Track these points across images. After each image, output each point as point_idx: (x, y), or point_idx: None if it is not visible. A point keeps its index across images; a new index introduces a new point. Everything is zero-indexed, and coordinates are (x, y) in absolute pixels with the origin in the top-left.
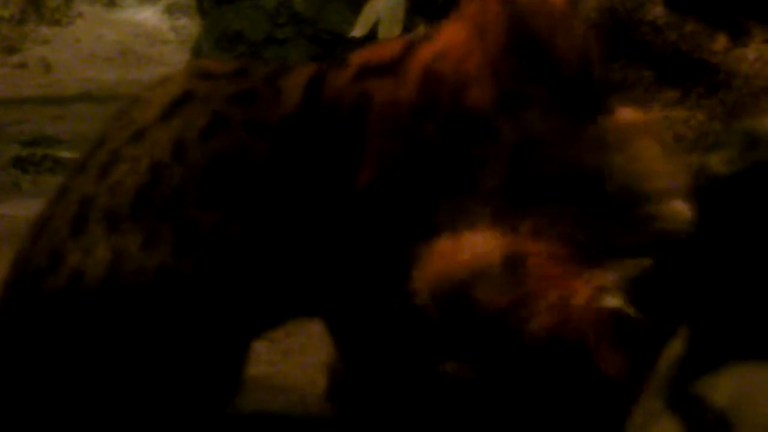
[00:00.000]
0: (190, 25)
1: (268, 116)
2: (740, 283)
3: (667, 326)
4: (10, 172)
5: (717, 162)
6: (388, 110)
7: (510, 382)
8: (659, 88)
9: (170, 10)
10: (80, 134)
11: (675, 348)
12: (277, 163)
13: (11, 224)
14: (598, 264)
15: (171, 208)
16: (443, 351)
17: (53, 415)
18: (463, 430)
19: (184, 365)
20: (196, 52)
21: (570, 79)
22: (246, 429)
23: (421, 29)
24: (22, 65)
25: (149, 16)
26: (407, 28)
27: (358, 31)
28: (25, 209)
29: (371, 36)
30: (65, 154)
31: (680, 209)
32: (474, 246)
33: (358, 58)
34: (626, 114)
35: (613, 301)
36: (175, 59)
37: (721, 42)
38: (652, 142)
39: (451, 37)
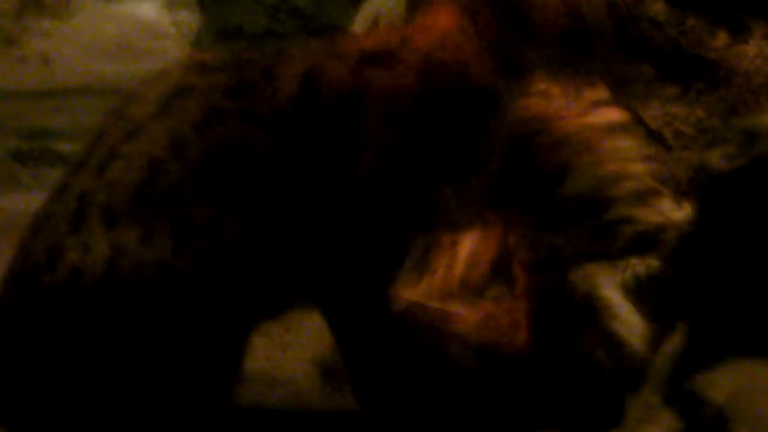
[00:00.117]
0: (190, 19)
1: (265, 107)
2: (739, 280)
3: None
4: (9, 166)
5: (717, 158)
6: (387, 100)
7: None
8: (659, 84)
9: (170, 4)
10: (80, 127)
11: (673, 344)
12: (274, 154)
13: (10, 217)
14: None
15: (169, 203)
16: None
17: (54, 409)
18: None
19: (183, 358)
20: (197, 46)
21: (561, 37)
22: (244, 422)
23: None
24: (22, 58)
25: (149, 10)
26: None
27: (358, 25)
28: (24, 203)
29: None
30: (65, 147)
31: (661, 210)
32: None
33: (354, 49)
34: (604, 114)
35: None
36: (175, 53)
37: (721, 38)
38: (630, 142)
39: (445, 24)
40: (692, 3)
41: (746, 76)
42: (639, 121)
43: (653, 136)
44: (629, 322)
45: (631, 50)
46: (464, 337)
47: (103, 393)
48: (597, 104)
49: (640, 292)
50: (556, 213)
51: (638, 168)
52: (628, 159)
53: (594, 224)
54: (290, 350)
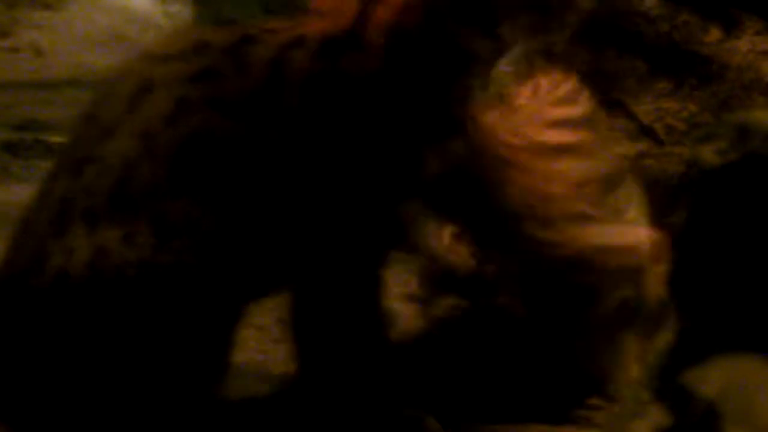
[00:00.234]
0: (182, 11)
1: (232, 93)
2: (731, 275)
3: None
4: (1, 157)
5: (709, 153)
6: (359, 83)
7: None
8: (651, 78)
9: None
10: (71, 119)
11: (664, 340)
12: (244, 140)
13: (2, 209)
14: None
15: (145, 202)
16: None
17: (48, 406)
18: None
19: (171, 353)
20: None
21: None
22: (234, 415)
23: None
24: (14, 49)
25: (141, 2)
26: None
27: None
28: (15, 194)
29: None
30: (56, 138)
31: (588, 235)
32: None
33: (316, 32)
34: (550, 135)
35: None
36: None
37: (714, 34)
38: (575, 165)
39: None
40: None
41: (738, 72)
42: (629, 114)
43: (645, 131)
44: None
45: (624, 45)
46: None
47: (92, 391)
48: (555, 123)
49: None
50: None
51: (580, 192)
52: (562, 182)
53: (525, 241)
54: (282, 343)
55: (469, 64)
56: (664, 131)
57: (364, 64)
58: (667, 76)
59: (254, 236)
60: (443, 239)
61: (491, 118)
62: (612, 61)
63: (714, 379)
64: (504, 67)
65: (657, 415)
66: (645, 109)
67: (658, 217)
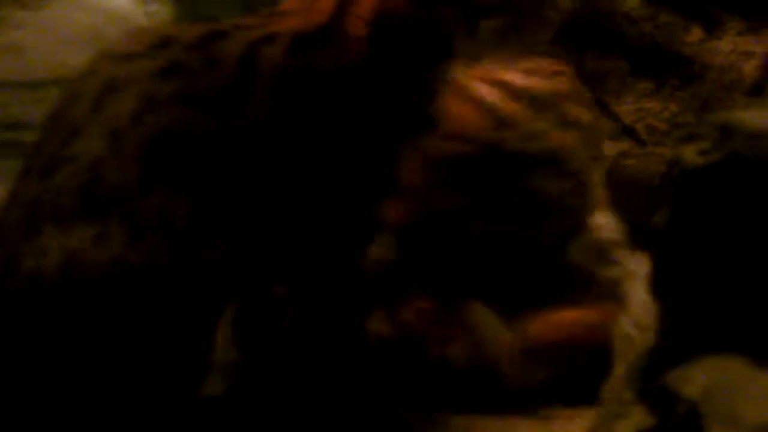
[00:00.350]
0: (163, 11)
1: (201, 87)
2: (714, 275)
3: None
4: None
5: (691, 153)
6: (337, 79)
7: None
8: (633, 79)
9: None
10: None
11: (647, 340)
12: (215, 135)
13: None
14: None
15: (115, 201)
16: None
17: (21, 411)
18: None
19: (146, 353)
20: None
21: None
22: (214, 412)
23: None
24: None
25: (122, 1)
26: None
27: None
28: None
29: None
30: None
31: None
32: None
33: (284, 27)
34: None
35: None
36: None
37: (695, 34)
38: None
39: None
40: None
41: (720, 72)
42: (610, 114)
43: (627, 131)
44: None
45: (606, 45)
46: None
47: (69, 391)
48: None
49: None
50: None
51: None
52: None
53: None
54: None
55: (447, 56)
56: (646, 131)
57: (342, 58)
58: (648, 76)
59: (230, 233)
60: None
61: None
62: (594, 61)
63: (697, 379)
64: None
65: (640, 416)
66: (627, 109)
67: (639, 217)
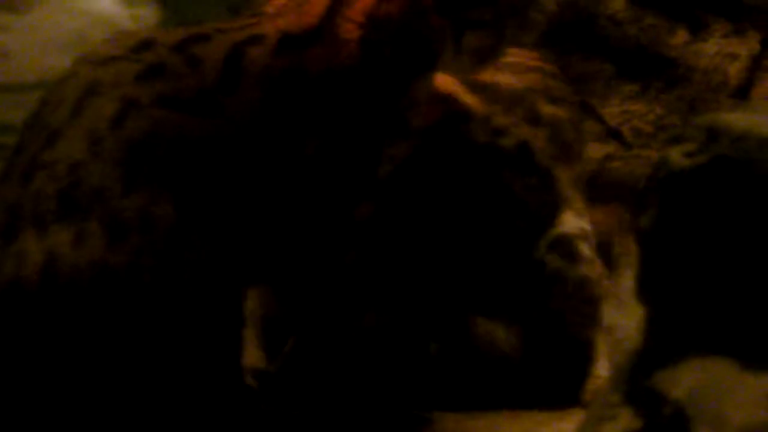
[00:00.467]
0: (149, 14)
1: (183, 89)
2: (700, 277)
3: None
4: None
5: (677, 155)
6: (326, 80)
7: None
8: (618, 81)
9: None
10: None
11: (634, 342)
12: (197, 135)
13: None
14: None
15: (95, 204)
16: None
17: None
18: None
19: (131, 354)
20: None
21: None
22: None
23: None
24: None
25: (108, 5)
26: None
27: None
28: None
29: None
30: None
31: None
32: None
33: (270, 29)
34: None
35: None
36: None
37: (680, 36)
38: None
39: None
40: (652, 0)
41: (705, 74)
42: (596, 117)
43: (612, 134)
44: None
45: (591, 48)
46: None
47: (51, 395)
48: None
49: None
50: None
51: None
52: None
53: None
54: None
55: (432, 65)
56: (632, 134)
57: (332, 60)
58: (634, 78)
59: (213, 234)
60: None
61: None
62: (579, 64)
63: (684, 381)
64: None
65: (626, 418)
66: (612, 111)
67: (625, 219)
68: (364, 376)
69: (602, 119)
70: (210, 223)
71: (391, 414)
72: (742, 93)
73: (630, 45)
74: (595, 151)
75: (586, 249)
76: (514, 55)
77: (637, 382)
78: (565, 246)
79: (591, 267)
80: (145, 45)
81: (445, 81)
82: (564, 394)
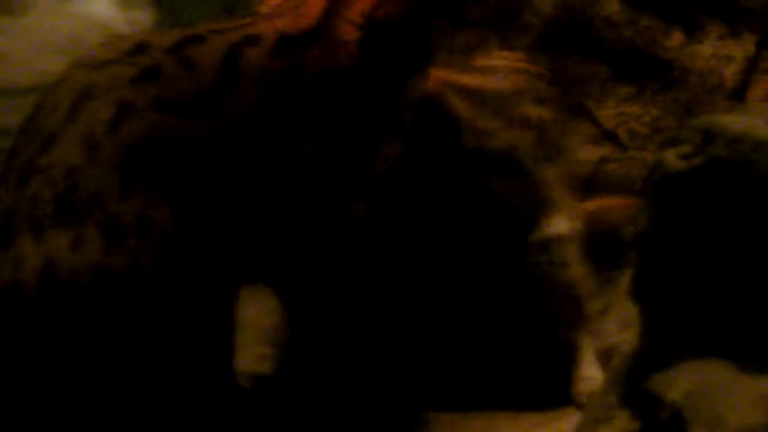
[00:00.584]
0: (144, 17)
1: (179, 91)
2: (696, 279)
3: None
4: None
5: (673, 157)
6: (325, 81)
7: None
8: (614, 83)
9: (124, 2)
10: None
11: (630, 344)
12: (194, 138)
13: None
14: None
15: (92, 208)
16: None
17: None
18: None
19: (131, 356)
20: None
21: None
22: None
23: None
24: None
25: (103, 8)
26: None
27: None
28: None
29: None
30: None
31: None
32: None
33: (267, 30)
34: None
35: None
36: None
37: (676, 38)
38: None
39: None
40: (647, 2)
41: (701, 76)
42: (591, 119)
43: (608, 136)
44: None
45: (586, 50)
46: None
47: (49, 399)
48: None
49: None
50: None
51: None
52: None
53: None
54: (245, 348)
55: (427, 63)
56: (627, 136)
57: (331, 61)
58: (629, 80)
59: (211, 235)
60: None
61: None
62: (574, 66)
63: (681, 383)
64: None
65: (623, 420)
66: (608, 113)
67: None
68: (360, 376)
69: (598, 121)
70: (207, 224)
71: (387, 414)
72: (737, 95)
73: (625, 47)
74: (591, 153)
75: (572, 251)
76: (501, 58)
77: (634, 384)
78: (552, 248)
79: (578, 269)
80: (140, 48)
81: (434, 81)
82: (553, 395)
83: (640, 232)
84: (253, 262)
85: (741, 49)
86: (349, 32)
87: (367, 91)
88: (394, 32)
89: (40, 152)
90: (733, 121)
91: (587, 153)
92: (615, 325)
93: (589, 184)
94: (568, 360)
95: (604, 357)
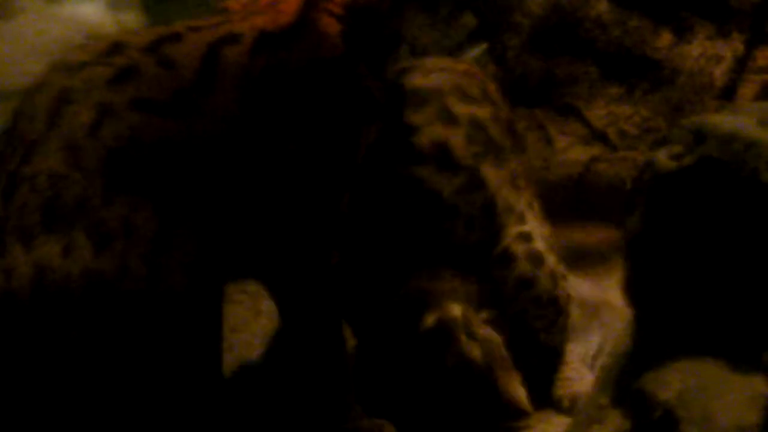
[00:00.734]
0: (134, 20)
1: (159, 90)
2: (688, 278)
3: None
4: None
5: (664, 157)
6: (310, 74)
7: None
8: (604, 84)
9: (114, 5)
10: None
11: (622, 344)
12: (175, 137)
13: None
14: None
15: (79, 213)
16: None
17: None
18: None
19: (127, 356)
20: None
21: None
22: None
23: None
24: None
25: (92, 11)
26: None
27: None
28: None
29: None
30: None
31: None
32: None
33: (245, 27)
34: None
35: None
36: None
37: (665, 38)
38: None
39: None
40: (636, 3)
41: (690, 76)
42: (581, 119)
43: (598, 136)
44: None
45: (576, 50)
46: None
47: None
48: None
49: None
50: None
51: None
52: None
53: None
54: (236, 350)
55: (399, 43)
56: (617, 136)
57: (316, 54)
58: (619, 81)
59: (199, 233)
60: None
61: None
62: (564, 66)
63: (672, 383)
64: None
65: (615, 420)
66: (597, 114)
67: (612, 221)
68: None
69: (587, 121)
70: (195, 222)
71: (376, 412)
72: (727, 95)
73: (615, 47)
74: (581, 153)
75: (540, 254)
76: (445, 60)
77: (626, 385)
78: (511, 254)
79: (541, 268)
80: (116, 48)
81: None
82: (536, 397)
83: (631, 233)
84: (243, 259)
85: (730, 48)
86: (330, 24)
87: (349, 80)
88: (374, 19)
89: (22, 162)
90: (724, 121)
91: (577, 153)
92: (598, 326)
93: (578, 184)
94: (550, 364)
95: (587, 359)
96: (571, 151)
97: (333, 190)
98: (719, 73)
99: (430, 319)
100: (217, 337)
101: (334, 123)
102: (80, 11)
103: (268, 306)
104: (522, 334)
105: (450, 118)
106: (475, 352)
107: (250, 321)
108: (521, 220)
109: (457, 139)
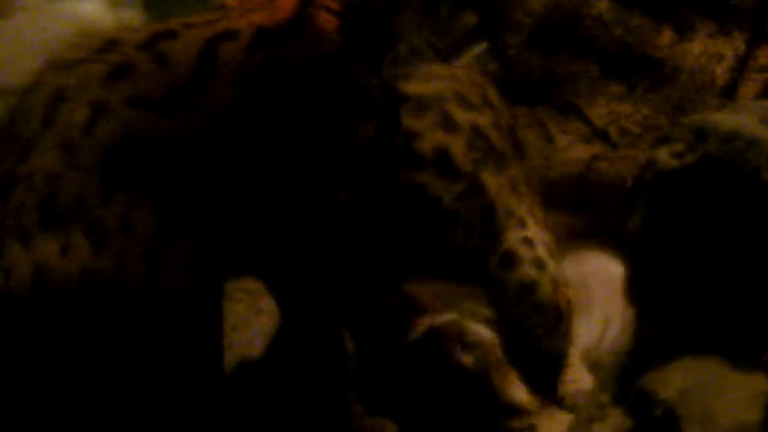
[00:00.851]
0: (134, 19)
1: (154, 88)
2: (689, 277)
3: None
4: None
5: (665, 156)
6: (306, 69)
7: None
8: (605, 82)
9: (114, 3)
10: None
11: (623, 342)
12: (171, 134)
13: None
14: None
15: (76, 212)
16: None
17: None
18: None
19: (126, 355)
20: None
21: None
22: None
23: None
24: None
25: (92, 9)
26: None
27: None
28: None
29: None
30: None
31: None
32: None
33: (242, 24)
34: None
35: None
36: None
37: (666, 36)
38: None
39: None
40: (637, 1)
41: (691, 74)
42: (582, 118)
43: (599, 134)
44: None
45: (577, 49)
46: None
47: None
48: None
49: None
50: None
51: None
52: None
53: None
54: (235, 349)
55: (396, 40)
56: (618, 134)
57: (314, 50)
58: (620, 79)
59: (197, 230)
60: None
61: None
62: (565, 64)
63: (674, 381)
64: None
65: (617, 419)
66: (598, 112)
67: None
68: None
69: (588, 120)
70: (193, 219)
71: (375, 412)
72: (728, 93)
73: (616, 46)
74: (582, 151)
75: (542, 260)
76: (445, 67)
77: (627, 383)
78: (512, 258)
79: (543, 274)
80: (110, 45)
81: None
82: (539, 395)
83: (632, 231)
84: (242, 255)
85: (731, 47)
86: (327, 20)
87: (346, 76)
88: (371, 16)
89: (19, 160)
90: (726, 120)
91: (578, 151)
92: (597, 326)
93: (579, 183)
94: (552, 367)
95: (587, 359)
96: (572, 150)
97: (330, 186)
98: (720, 72)
99: (419, 329)
100: (217, 335)
101: (332, 119)
102: (80, 9)
103: (268, 304)
104: (523, 339)
105: (451, 125)
106: (467, 359)
107: (251, 319)
108: (522, 225)
109: (457, 145)
